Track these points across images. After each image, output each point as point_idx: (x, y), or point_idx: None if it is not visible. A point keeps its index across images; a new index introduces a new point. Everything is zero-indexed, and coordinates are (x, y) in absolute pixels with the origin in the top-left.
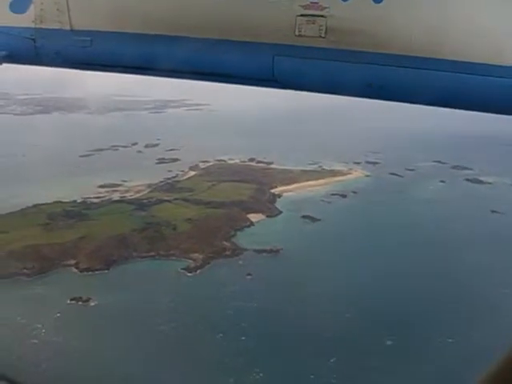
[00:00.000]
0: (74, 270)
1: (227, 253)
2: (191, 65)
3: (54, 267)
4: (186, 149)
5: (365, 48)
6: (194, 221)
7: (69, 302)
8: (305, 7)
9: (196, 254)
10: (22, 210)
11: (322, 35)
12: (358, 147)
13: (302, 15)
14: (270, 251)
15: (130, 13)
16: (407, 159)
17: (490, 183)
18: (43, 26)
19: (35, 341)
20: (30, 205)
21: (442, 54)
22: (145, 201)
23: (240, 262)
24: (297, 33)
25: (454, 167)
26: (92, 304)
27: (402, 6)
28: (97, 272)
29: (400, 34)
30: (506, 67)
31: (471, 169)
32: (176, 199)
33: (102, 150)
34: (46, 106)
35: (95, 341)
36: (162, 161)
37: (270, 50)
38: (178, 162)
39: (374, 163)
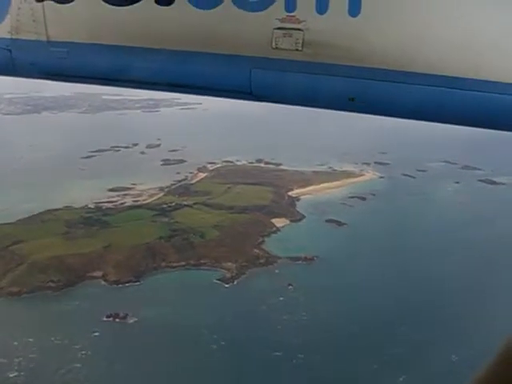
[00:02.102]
0: (103, 282)
1: (261, 261)
2: (167, 77)
3: (80, 280)
4: (189, 149)
5: (341, 61)
6: (221, 227)
7: (105, 318)
8: (281, 20)
9: (229, 263)
10: (35, 216)
11: (299, 48)
12: (364, 147)
13: (278, 28)
14: (305, 259)
15: (106, 24)
16: (416, 159)
17: (503, 184)
18: (19, 37)
19: (78, 365)
20: (42, 210)
21: (418, 67)
22: (164, 206)
23: (276, 271)
24: (274, 46)
25: (464, 167)
26: (131, 321)
27: (378, 20)
28: (127, 285)
29: (376, 48)
30: (482, 81)
31: (481, 169)
32: (196, 204)
33: (103, 151)
34: (34, 106)
35: (144, 363)
36: (167, 162)
37: (247, 63)
38: (185, 164)
39: (384, 164)
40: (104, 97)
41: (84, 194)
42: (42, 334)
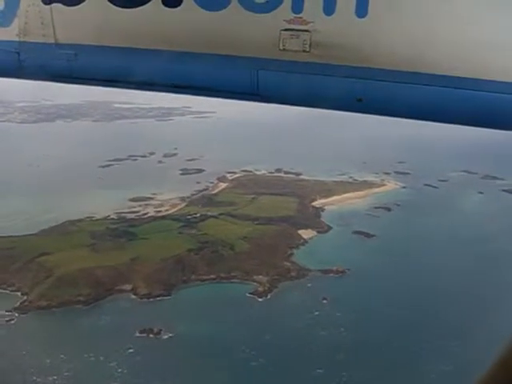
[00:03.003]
0: (133, 296)
1: (292, 274)
2: (176, 78)
3: (109, 293)
4: (206, 158)
5: (349, 62)
6: (250, 239)
7: (138, 334)
8: (289, 22)
9: (260, 276)
10: (58, 226)
11: (306, 49)
12: (382, 156)
13: (286, 29)
14: (337, 272)
15: (114, 26)
16: (436, 169)
17: None
18: (27, 40)
19: None
20: (64, 220)
21: (425, 68)
22: (189, 217)
23: (309, 285)
24: (281, 47)
25: (485, 177)
26: (165, 337)
27: (385, 21)
28: (158, 298)
29: (383, 49)
30: (491, 81)
31: (503, 179)
32: (221, 214)
33: (120, 159)
34: (47, 114)
35: (182, 380)
36: (186, 171)
37: (255, 64)
38: (204, 173)
39: (405, 174)
40: (116, 105)
41: (105, 204)
42: (76, 351)
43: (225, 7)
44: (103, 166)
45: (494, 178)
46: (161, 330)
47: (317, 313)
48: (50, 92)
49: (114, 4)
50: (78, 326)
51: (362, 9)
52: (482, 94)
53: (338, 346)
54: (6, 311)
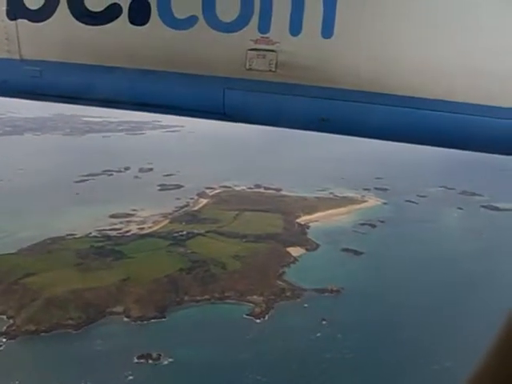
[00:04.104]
0: (125, 318)
1: (287, 294)
2: (142, 97)
3: (100, 316)
4: (184, 174)
5: (314, 82)
6: (241, 258)
7: (136, 360)
8: (255, 41)
9: (254, 297)
10: (39, 245)
11: (273, 69)
12: (359, 172)
13: (252, 49)
14: (332, 291)
15: (80, 43)
16: (413, 185)
17: (508, 210)
18: None
19: None
20: (43, 238)
21: (390, 88)
22: (175, 234)
23: (306, 305)
24: (247, 66)
25: (463, 193)
26: (165, 362)
27: (350, 42)
28: (152, 321)
29: (349, 69)
30: (455, 103)
31: (481, 194)
32: (208, 232)
33: (95, 174)
34: (14, 127)
35: None
36: (164, 187)
37: (221, 83)
38: (183, 189)
39: (384, 190)
40: (84, 118)
41: (85, 220)
42: (71, 379)
43: (191, 26)
44: (78, 181)
45: (473, 194)
46: (160, 355)
47: (318, 334)
48: (14, 105)
49: (80, 21)
50: (72, 352)
51: (327, 29)
52: (446, 115)
53: (344, 369)
54: None
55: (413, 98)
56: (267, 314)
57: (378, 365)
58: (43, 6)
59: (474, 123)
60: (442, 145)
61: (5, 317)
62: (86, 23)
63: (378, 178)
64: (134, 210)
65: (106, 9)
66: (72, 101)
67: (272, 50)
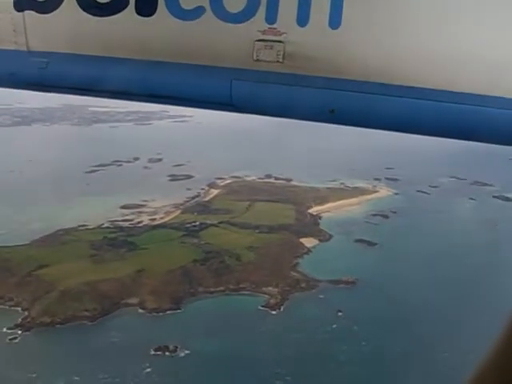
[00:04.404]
0: (141, 310)
1: (302, 285)
2: (148, 87)
3: (115, 308)
4: (193, 164)
5: (322, 73)
6: (255, 249)
7: (153, 352)
8: (263, 32)
9: (269, 288)
10: (51, 236)
11: (280, 60)
12: (369, 162)
13: (260, 40)
14: (347, 282)
15: (87, 34)
16: (425, 175)
17: None
18: None
19: None
20: (55, 230)
21: (399, 79)
22: (188, 225)
23: (321, 296)
24: (255, 57)
25: (474, 183)
26: (182, 354)
27: (358, 32)
28: (168, 313)
29: (357, 60)
30: (462, 93)
31: (492, 185)
32: (221, 223)
33: (105, 165)
34: (23, 117)
35: None
36: (174, 178)
37: (229, 74)
38: (193, 179)
39: (395, 180)
40: (91, 108)
41: (96, 211)
42: (88, 371)
43: (199, 17)
44: (89, 172)
45: (484, 184)
46: (176, 347)
47: (334, 326)
48: (21, 96)
49: (88, 12)
50: (88, 344)
51: (335, 20)
52: (455, 106)
53: (362, 361)
54: (8, 328)
55: (421, 88)
56: (282, 305)
57: (394, 357)
58: None
59: (484, 114)
60: (451, 136)
61: (19, 309)
62: (93, 14)
63: (388, 168)
64: (145, 201)
65: (113, 0)
66: (79, 92)
67: (279, 41)
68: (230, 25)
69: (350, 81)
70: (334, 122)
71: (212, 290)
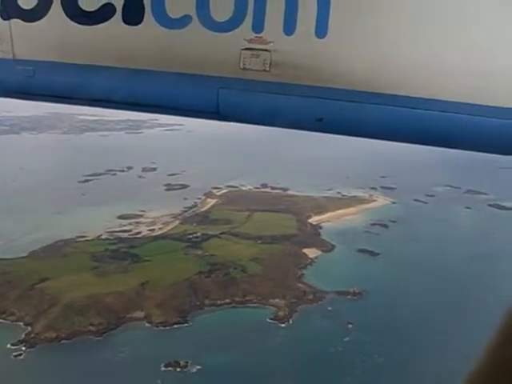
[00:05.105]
0: (147, 324)
1: (310, 297)
2: (135, 96)
3: (121, 322)
4: (188, 174)
5: (308, 82)
6: (260, 260)
7: (164, 368)
8: (249, 41)
9: (276, 300)
10: (50, 247)
11: (267, 69)
12: (363, 171)
13: (246, 49)
14: (354, 294)
15: (74, 43)
16: (419, 184)
17: None
18: None
19: None
20: (55, 240)
21: (385, 88)
22: (189, 236)
23: (329, 308)
24: (242, 66)
25: (468, 192)
26: (194, 370)
27: (344, 41)
28: (175, 326)
29: (343, 69)
30: (448, 102)
31: (486, 193)
32: (222, 233)
33: (99, 174)
34: (11, 126)
35: None
36: (170, 187)
37: (215, 83)
38: (189, 189)
39: (391, 189)
40: (81, 117)
41: (93, 222)
42: None
43: (185, 25)
44: (82, 181)
45: (477, 192)
46: (187, 362)
47: (346, 339)
48: (7, 104)
49: (74, 21)
50: (96, 360)
51: (321, 29)
52: (442, 115)
53: (377, 374)
54: (12, 345)
55: (408, 97)
56: (291, 317)
57: (409, 369)
58: (36, 5)
59: (469, 123)
60: (438, 144)
61: (22, 323)
62: (80, 23)
63: (383, 177)
64: (142, 211)
65: (99, 8)
66: (65, 100)
67: (266, 50)
68: (217, 34)
69: (337, 89)
70: (321, 131)
71: (219, 302)
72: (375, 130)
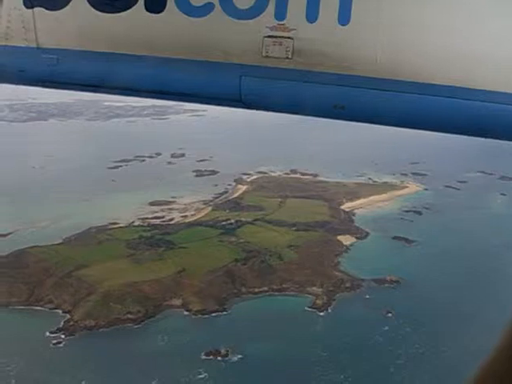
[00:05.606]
0: (185, 312)
1: (347, 285)
2: (158, 84)
3: (159, 310)
4: (217, 159)
5: (331, 69)
6: (296, 247)
7: (204, 356)
8: (271, 28)
9: (314, 288)
10: (84, 234)
11: (289, 56)
12: (393, 157)
13: (268, 36)
14: (391, 282)
15: (96, 31)
16: (450, 170)
17: None
18: (9, 44)
19: None
20: (87, 227)
21: (408, 75)
22: (223, 223)
23: (367, 297)
24: (264, 54)
25: (502, 178)
26: (235, 358)
27: (367, 29)
28: (213, 315)
29: (366, 56)
30: (472, 90)
31: None
32: (256, 220)
33: (127, 160)
34: (39, 113)
35: None
36: (199, 173)
37: (238, 71)
38: (219, 175)
39: (422, 175)
40: (106, 103)
41: (125, 208)
42: (140, 378)
43: (208, 13)
44: (112, 168)
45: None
46: (228, 350)
47: (386, 328)
48: (33, 91)
49: (97, 9)
50: (136, 348)
51: (344, 16)
52: (464, 103)
53: (420, 365)
54: (51, 332)
55: (430, 84)
56: (329, 306)
57: (452, 361)
58: None
59: (492, 110)
60: (460, 132)
61: (60, 311)
62: (103, 11)
63: (413, 163)
64: (174, 197)
65: None
66: (88, 89)
67: (289, 37)
68: (239, 21)
69: (359, 77)
70: (343, 119)
71: (256, 290)
72: (398, 118)
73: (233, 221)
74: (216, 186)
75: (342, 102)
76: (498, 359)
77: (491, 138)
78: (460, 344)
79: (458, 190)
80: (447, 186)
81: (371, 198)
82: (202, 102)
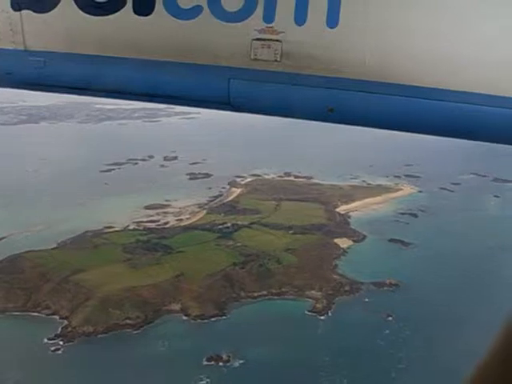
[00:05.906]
0: (184, 317)
1: (346, 288)
2: (146, 87)
3: (158, 315)
4: (210, 162)
5: (319, 72)
6: (294, 251)
7: (206, 362)
8: (260, 31)
9: (313, 292)
10: (80, 238)
11: (278, 59)
12: (387, 159)
13: (257, 39)
14: (390, 285)
15: (84, 34)
16: (444, 172)
17: None
18: None
19: None
20: (82, 231)
21: (396, 78)
22: (220, 226)
23: (367, 300)
24: (252, 56)
25: (495, 180)
26: (237, 364)
27: (355, 31)
28: (213, 319)
29: (354, 59)
30: (461, 92)
31: None
32: (252, 223)
33: (120, 164)
34: (29, 115)
35: None
36: (193, 176)
37: (226, 73)
38: (212, 178)
39: (416, 177)
40: (98, 106)
41: (120, 212)
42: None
43: (196, 16)
44: (105, 171)
45: (505, 180)
46: (229, 356)
47: (387, 331)
48: (23, 94)
49: (85, 11)
50: (135, 354)
51: (332, 19)
52: (453, 105)
53: (421, 369)
54: (48, 339)
55: (418, 87)
56: (329, 309)
57: (454, 364)
58: None
59: (480, 113)
60: (449, 135)
61: (57, 317)
62: (91, 13)
63: (407, 166)
64: (168, 201)
65: None
66: (76, 91)
67: (277, 40)
68: (228, 24)
69: (348, 80)
70: (332, 121)
71: (255, 294)
72: (387, 121)
73: (229, 224)
74: (210, 188)
75: (330, 105)
76: (491, 362)
77: (480, 140)
78: (461, 347)
79: (452, 192)
80: (441, 188)
81: (366, 200)
82: (190, 105)
